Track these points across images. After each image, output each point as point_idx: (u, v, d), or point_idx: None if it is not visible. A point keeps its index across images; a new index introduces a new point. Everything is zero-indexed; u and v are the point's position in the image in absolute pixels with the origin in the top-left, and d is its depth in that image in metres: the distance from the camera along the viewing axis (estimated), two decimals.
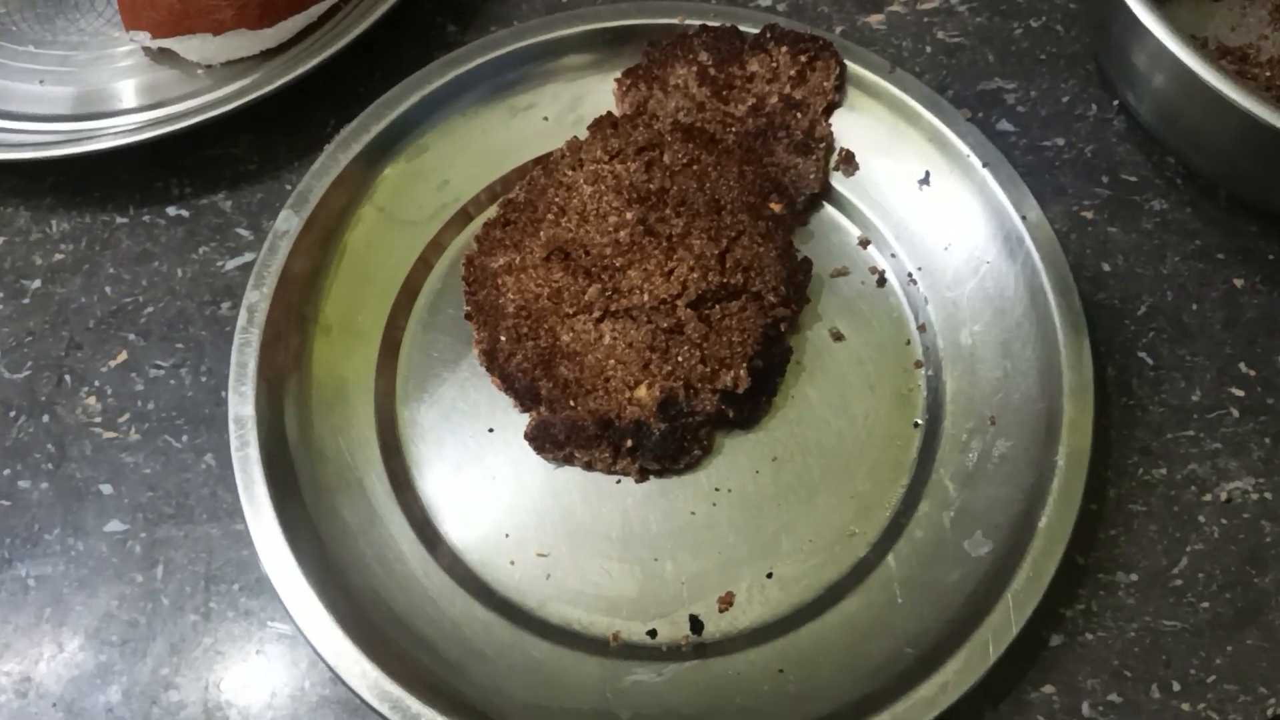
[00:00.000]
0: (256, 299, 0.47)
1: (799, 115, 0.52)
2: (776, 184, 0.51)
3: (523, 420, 0.47)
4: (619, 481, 0.47)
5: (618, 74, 0.54)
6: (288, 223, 0.49)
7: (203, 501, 0.47)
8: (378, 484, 0.46)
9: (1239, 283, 0.51)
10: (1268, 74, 0.53)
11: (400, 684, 0.40)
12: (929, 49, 0.57)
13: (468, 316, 0.49)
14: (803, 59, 0.52)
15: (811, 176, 0.51)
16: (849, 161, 0.52)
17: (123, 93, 0.56)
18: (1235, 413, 0.48)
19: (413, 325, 0.50)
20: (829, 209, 0.52)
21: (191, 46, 0.54)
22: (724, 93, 0.53)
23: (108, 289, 0.52)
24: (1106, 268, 0.51)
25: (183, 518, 0.47)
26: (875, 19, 0.58)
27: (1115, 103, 0.55)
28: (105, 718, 0.44)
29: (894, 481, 0.46)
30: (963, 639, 0.41)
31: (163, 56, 0.56)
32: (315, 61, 0.52)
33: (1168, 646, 0.44)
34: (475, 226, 0.52)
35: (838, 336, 0.49)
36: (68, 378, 0.50)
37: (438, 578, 0.44)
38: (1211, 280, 0.51)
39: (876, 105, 0.52)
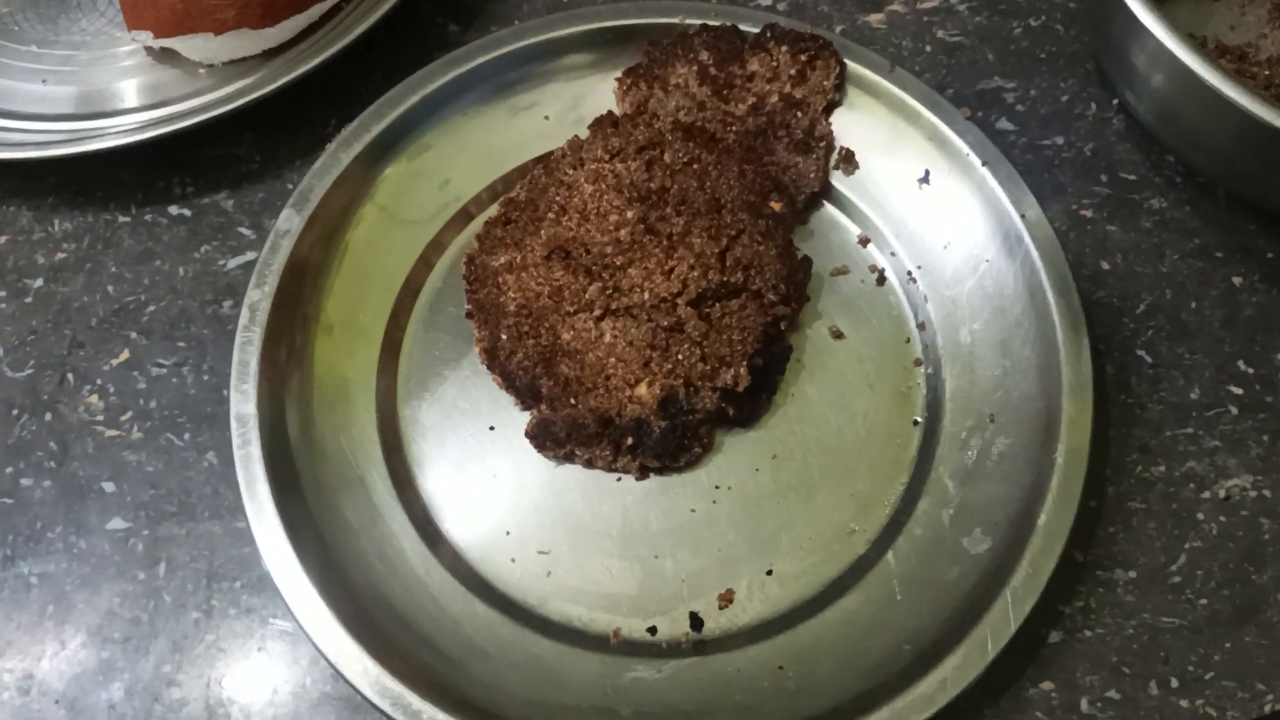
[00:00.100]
0: (258, 298, 0.47)
1: (799, 114, 0.52)
2: (777, 183, 0.51)
3: (523, 418, 0.48)
4: (619, 479, 0.47)
5: (618, 73, 0.54)
6: (289, 222, 0.49)
7: (205, 499, 0.47)
8: (379, 482, 0.46)
9: (1238, 281, 0.51)
10: (1266, 73, 0.53)
11: (401, 681, 0.40)
12: (929, 48, 0.57)
13: (469, 315, 0.49)
14: (803, 58, 0.52)
15: (811, 175, 0.51)
16: (849, 160, 0.52)
17: (125, 92, 0.56)
18: (1234, 410, 0.48)
19: (414, 324, 0.50)
20: (829, 208, 0.53)
21: (193, 46, 0.55)
22: (724, 92, 0.53)
23: (110, 288, 0.52)
24: (1105, 266, 0.51)
25: (185, 515, 0.47)
26: (875, 18, 0.58)
27: (1114, 101, 0.55)
28: (107, 715, 0.44)
29: (893, 479, 0.47)
30: (962, 636, 0.41)
31: (165, 56, 0.57)
32: (317, 61, 0.52)
33: (1166, 643, 0.44)
34: (476, 225, 0.52)
35: (837, 335, 0.50)
36: (70, 376, 0.50)
37: (439, 575, 0.45)
38: (1210, 278, 0.51)
39: (876, 104, 0.52)
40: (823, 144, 0.52)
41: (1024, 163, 0.53)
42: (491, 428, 0.48)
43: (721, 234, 0.48)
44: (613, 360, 0.46)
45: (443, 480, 0.47)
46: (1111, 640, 0.44)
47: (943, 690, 0.40)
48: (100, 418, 0.49)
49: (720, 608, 0.44)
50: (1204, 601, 0.45)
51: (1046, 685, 0.43)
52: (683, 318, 0.47)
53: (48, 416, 0.49)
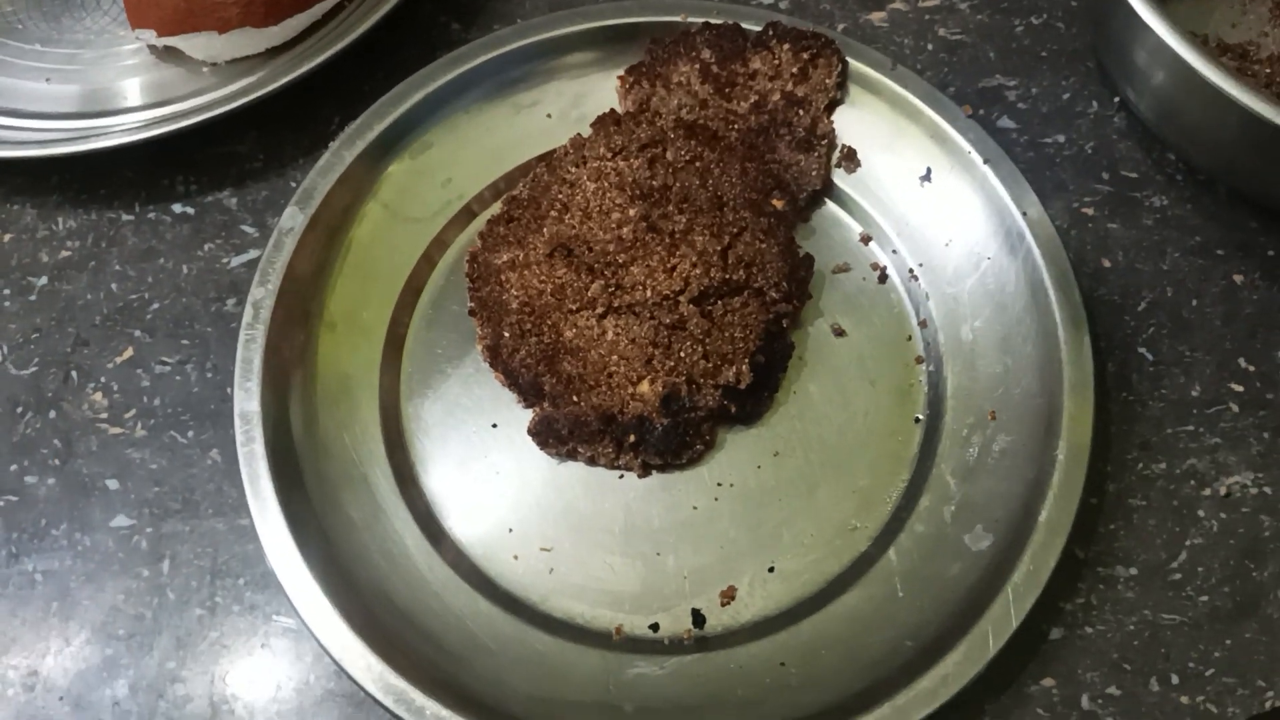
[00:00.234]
0: (262, 295, 0.47)
1: (801, 112, 0.52)
2: (778, 181, 0.51)
3: (526, 416, 0.48)
4: (621, 476, 0.47)
5: (621, 71, 0.54)
6: (293, 220, 0.49)
7: (208, 496, 0.48)
8: (382, 479, 0.47)
9: (1238, 278, 0.51)
10: (1267, 70, 0.53)
11: (404, 677, 0.40)
12: (930, 46, 0.57)
13: (471, 313, 0.49)
14: (805, 56, 0.53)
15: (813, 173, 0.52)
16: (850, 158, 0.52)
17: (128, 90, 0.56)
18: (1234, 408, 0.48)
19: (417, 321, 0.51)
20: (830, 205, 0.53)
21: (197, 44, 0.55)
22: (726, 90, 0.53)
23: (114, 286, 0.52)
24: (1107, 263, 0.52)
25: (188, 513, 0.47)
26: (877, 16, 0.58)
27: (1116, 99, 0.55)
28: (112, 711, 0.44)
29: (895, 476, 0.47)
30: (963, 632, 0.41)
31: (168, 54, 0.57)
32: (320, 59, 0.52)
33: (1167, 640, 0.44)
34: (479, 223, 0.52)
35: (839, 332, 0.50)
36: (74, 374, 0.50)
37: (442, 572, 0.45)
38: (1211, 275, 0.51)
39: (878, 102, 0.52)
40: (824, 142, 0.52)
41: (1025, 160, 0.53)
42: (494, 425, 0.48)
43: (723, 232, 0.48)
44: (615, 358, 0.46)
45: (445, 477, 0.47)
46: (1112, 636, 0.44)
47: (944, 686, 0.40)
48: (104, 415, 0.49)
49: (722, 604, 0.44)
50: (1204, 598, 0.45)
51: (1047, 681, 0.43)
52: (685, 315, 0.47)
53: (52, 414, 0.50)
